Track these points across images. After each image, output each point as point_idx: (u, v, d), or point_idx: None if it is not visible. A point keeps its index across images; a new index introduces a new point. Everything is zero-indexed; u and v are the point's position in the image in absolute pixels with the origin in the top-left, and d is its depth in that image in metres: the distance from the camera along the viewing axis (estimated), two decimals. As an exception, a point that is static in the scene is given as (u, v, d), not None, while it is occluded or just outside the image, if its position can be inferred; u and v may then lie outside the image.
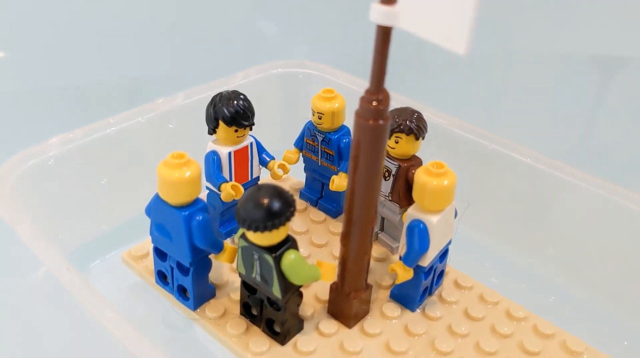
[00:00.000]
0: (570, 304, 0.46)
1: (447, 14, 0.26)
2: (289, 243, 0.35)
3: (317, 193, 0.51)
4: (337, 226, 0.48)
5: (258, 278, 0.36)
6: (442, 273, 0.43)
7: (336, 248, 0.46)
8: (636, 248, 0.45)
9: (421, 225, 0.38)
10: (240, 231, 0.36)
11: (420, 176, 0.37)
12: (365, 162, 0.34)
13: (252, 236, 0.34)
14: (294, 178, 0.54)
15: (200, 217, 0.37)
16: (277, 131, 0.56)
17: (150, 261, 0.43)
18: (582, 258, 0.47)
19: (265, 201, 0.33)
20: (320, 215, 0.49)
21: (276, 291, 0.35)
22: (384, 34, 0.30)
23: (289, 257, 0.34)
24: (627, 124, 0.73)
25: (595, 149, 0.70)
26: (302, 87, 0.59)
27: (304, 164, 0.50)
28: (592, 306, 0.46)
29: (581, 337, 0.40)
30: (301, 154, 0.49)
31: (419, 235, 0.38)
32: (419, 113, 0.43)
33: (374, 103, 0.32)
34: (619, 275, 0.46)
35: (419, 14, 0.27)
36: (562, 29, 0.87)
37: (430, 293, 0.42)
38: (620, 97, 0.80)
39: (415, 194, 0.38)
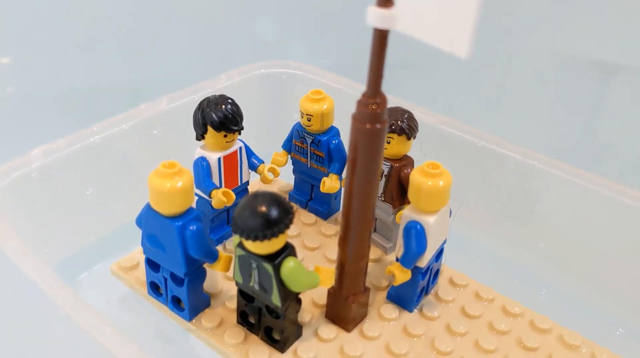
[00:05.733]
0: (562, 297, 0.47)
1: (448, 15, 0.26)
2: (288, 250, 0.34)
3: (307, 194, 0.50)
4: (328, 228, 0.48)
5: (256, 287, 0.35)
6: (437, 272, 0.43)
7: (329, 251, 0.45)
8: (625, 240, 0.46)
9: (418, 226, 0.38)
10: (237, 239, 0.35)
11: (415, 176, 0.37)
12: (363, 165, 0.33)
13: (250, 245, 0.33)
14: (283, 180, 0.53)
15: (194, 227, 0.36)
16: (261, 133, 0.56)
17: (140, 272, 0.42)
18: (571, 251, 0.48)
19: (263, 209, 0.32)
20: (310, 217, 0.49)
21: (275, 300, 0.35)
22: (381, 38, 0.29)
23: (288, 265, 0.34)
24: (625, 124, 0.74)
25: (592, 149, 0.70)
26: (286, 88, 0.58)
27: (292, 166, 0.49)
28: (583, 298, 0.47)
29: (574, 328, 0.41)
30: (289, 156, 0.49)
31: (416, 236, 0.38)
32: (409, 113, 0.42)
33: (372, 107, 0.31)
34: (608, 267, 0.46)
35: (418, 17, 0.27)
36: (560, 28, 0.87)
37: (427, 293, 0.42)
38: (617, 98, 0.81)
39: (410, 195, 0.38)
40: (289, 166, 0.49)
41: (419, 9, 0.27)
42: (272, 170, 0.46)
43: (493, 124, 0.71)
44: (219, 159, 0.42)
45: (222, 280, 0.42)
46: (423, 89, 0.76)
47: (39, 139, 0.44)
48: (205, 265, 0.38)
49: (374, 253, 0.45)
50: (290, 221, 0.33)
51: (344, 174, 0.46)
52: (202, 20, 0.83)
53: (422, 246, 0.38)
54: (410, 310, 0.41)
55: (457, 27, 0.25)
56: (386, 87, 0.32)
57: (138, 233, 0.39)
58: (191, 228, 0.36)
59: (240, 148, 0.44)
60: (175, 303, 0.39)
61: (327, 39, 0.86)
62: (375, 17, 0.28)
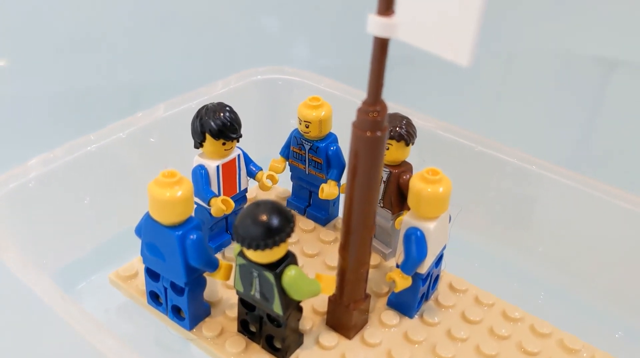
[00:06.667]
0: (562, 301, 0.47)
1: (449, 23, 0.26)
2: (289, 258, 0.34)
3: (305, 201, 0.50)
4: (327, 234, 0.48)
5: (257, 296, 0.35)
6: (437, 278, 0.43)
7: (329, 257, 0.45)
8: (623, 244, 0.46)
9: (418, 233, 0.38)
10: (237, 248, 0.35)
11: (415, 183, 0.37)
12: (363, 172, 0.33)
13: (251, 254, 0.33)
14: (280, 186, 0.53)
15: (194, 236, 0.36)
16: (259, 139, 0.55)
17: (140, 281, 0.42)
18: (571, 255, 0.48)
19: (264, 218, 0.32)
20: (309, 224, 0.49)
21: (277, 308, 0.35)
22: (382, 46, 0.29)
23: (290, 273, 0.34)
24: (623, 129, 0.74)
25: (591, 153, 0.70)
26: (282, 94, 0.58)
27: (290, 173, 0.49)
28: (582, 301, 0.47)
29: (574, 332, 0.41)
30: (287, 162, 0.48)
31: (416, 242, 0.38)
32: (407, 119, 0.42)
33: (372, 114, 0.31)
34: (607, 270, 0.47)
35: (418, 25, 0.27)
36: (560, 29, 0.87)
37: (427, 299, 0.42)
38: (617, 102, 0.81)
39: (410, 201, 0.38)
40: (287, 173, 0.49)
41: (419, 17, 0.27)
42: (270, 177, 0.45)
43: (491, 126, 0.71)
44: (218, 167, 0.42)
45: (222, 289, 0.42)
46: (421, 91, 0.76)
47: (36, 142, 0.44)
48: (206, 274, 0.38)
49: (373, 259, 0.45)
50: (292, 230, 0.33)
51: (342, 181, 0.46)
52: (201, 20, 0.83)
53: (422, 253, 0.38)
54: (411, 316, 0.41)
55: (459, 35, 0.25)
56: (384, 92, 0.32)
57: (136, 241, 0.38)
58: (191, 237, 0.36)
59: (239, 155, 0.43)
60: (176, 313, 0.39)
61: (327, 41, 0.86)
62: (376, 25, 0.28)
